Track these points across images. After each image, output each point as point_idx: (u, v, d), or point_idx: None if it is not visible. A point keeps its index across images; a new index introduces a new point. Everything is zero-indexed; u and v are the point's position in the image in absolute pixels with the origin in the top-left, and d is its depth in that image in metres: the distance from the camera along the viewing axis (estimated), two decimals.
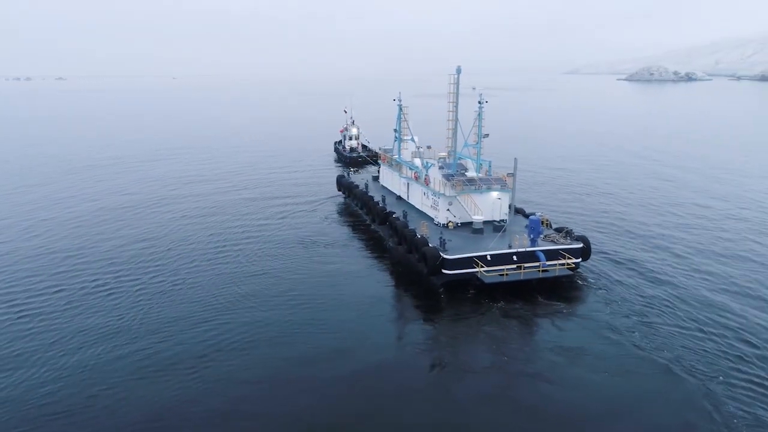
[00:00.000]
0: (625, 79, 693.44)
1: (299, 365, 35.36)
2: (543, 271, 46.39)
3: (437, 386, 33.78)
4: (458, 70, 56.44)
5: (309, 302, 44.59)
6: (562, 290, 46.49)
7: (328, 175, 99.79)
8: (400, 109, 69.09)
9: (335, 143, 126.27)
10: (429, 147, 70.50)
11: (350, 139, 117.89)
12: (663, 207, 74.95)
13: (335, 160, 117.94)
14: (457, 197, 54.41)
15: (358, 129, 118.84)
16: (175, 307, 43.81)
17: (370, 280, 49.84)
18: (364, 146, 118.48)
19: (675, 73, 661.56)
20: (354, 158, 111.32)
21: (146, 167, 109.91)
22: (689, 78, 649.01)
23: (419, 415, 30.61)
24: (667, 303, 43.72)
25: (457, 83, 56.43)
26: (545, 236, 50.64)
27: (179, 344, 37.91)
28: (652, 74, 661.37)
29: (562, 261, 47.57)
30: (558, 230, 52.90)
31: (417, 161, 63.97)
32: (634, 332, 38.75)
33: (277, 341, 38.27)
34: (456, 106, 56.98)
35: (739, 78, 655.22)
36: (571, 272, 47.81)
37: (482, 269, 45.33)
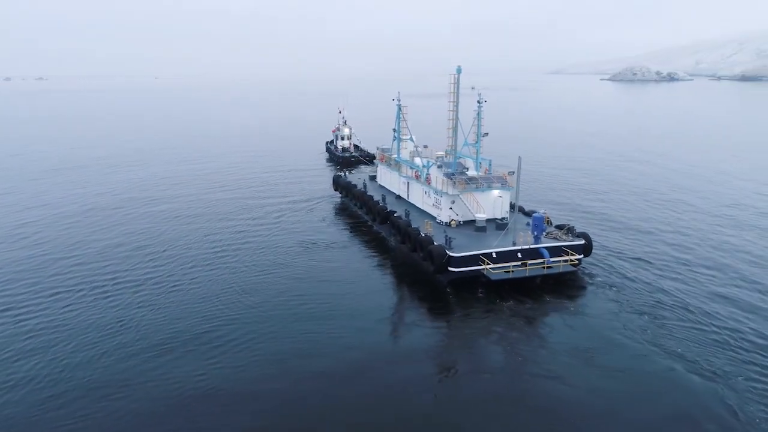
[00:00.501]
0: (609, 79, 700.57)
1: (308, 367, 34.94)
2: (547, 267, 46.79)
3: (450, 387, 33.59)
4: (458, 70, 56.51)
5: (314, 303, 44.17)
6: (568, 288, 46.73)
7: (322, 175, 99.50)
8: (399, 108, 69.06)
9: (327, 143, 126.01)
10: (425, 146, 70.67)
11: (342, 139, 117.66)
12: (657, 205, 75.74)
13: (327, 160, 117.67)
14: (460, 196, 54.61)
15: (351, 129, 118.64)
16: (176, 310, 43.02)
17: (375, 281, 49.53)
18: (356, 146, 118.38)
19: (657, 73, 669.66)
20: (346, 158, 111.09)
21: (135, 168, 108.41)
22: (671, 78, 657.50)
23: (432, 416, 30.41)
24: (674, 299, 43.97)
25: (458, 83, 56.51)
26: (547, 233, 51.03)
27: (185, 347, 37.28)
28: (635, 74, 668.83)
29: (565, 257, 48.00)
30: (559, 227, 53.33)
31: (418, 160, 64.13)
32: (646, 331, 38.83)
33: (285, 344, 37.76)
34: (456, 106, 57.05)
35: (719, 78, 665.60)
36: (573, 268, 48.27)
37: (488, 266, 45.50)
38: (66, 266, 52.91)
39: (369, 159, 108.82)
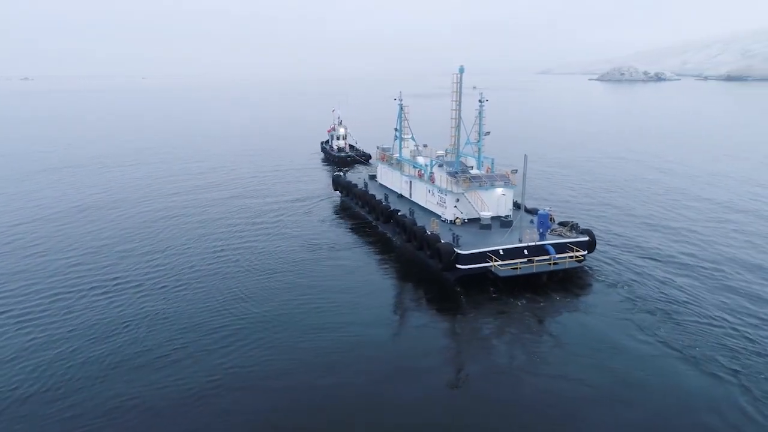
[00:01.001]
0: (597, 79, 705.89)
1: (317, 367, 34.71)
2: (553, 264, 47.34)
3: (464, 388, 33.47)
4: (461, 70, 56.91)
5: (320, 304, 43.60)
6: (578, 286, 46.95)
7: (318, 175, 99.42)
8: (401, 108, 69.32)
9: (322, 143, 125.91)
10: (425, 145, 71.03)
11: (338, 138, 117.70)
12: (657, 202, 76.27)
13: (322, 160, 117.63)
14: (465, 194, 55.04)
15: (346, 129, 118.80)
16: (182, 312, 42.23)
17: (382, 281, 49.25)
18: (351, 146, 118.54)
19: (645, 73, 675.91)
20: (342, 158, 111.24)
21: (130, 168, 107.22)
22: (658, 78, 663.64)
23: (444, 416, 30.21)
24: (685, 296, 44.10)
25: (460, 82, 56.94)
26: (552, 230, 51.66)
27: (192, 348, 36.83)
28: (622, 74, 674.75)
29: (571, 254, 48.59)
30: (563, 224, 53.96)
31: (421, 159, 64.51)
32: (659, 329, 38.82)
33: (299, 346, 37.29)
34: (459, 105, 57.47)
35: (705, 78, 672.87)
36: (579, 264, 48.87)
37: (496, 263, 45.93)
38: (64, 268, 51.98)
39: (365, 159, 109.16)
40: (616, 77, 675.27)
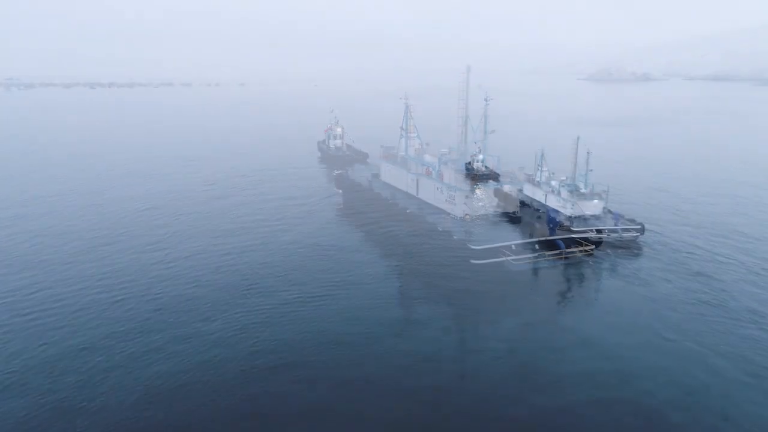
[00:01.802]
0: (586, 79, 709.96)
1: (344, 366, 35.08)
2: (564, 258, 48.30)
3: (485, 389, 33.65)
4: (467, 69, 57.70)
5: (337, 304, 43.59)
6: (592, 282, 47.65)
7: (317, 174, 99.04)
8: (407, 107, 69.92)
9: (319, 143, 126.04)
10: (427, 144, 71.71)
11: (335, 138, 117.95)
12: (664, 200, 77.37)
13: (320, 159, 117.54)
14: (474, 191, 55.85)
15: (343, 128, 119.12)
16: (197, 317, 42.04)
17: (393, 280, 49.43)
18: (348, 145, 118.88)
19: (632, 73, 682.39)
20: (340, 157, 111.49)
21: (123, 170, 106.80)
22: (646, 78, 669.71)
23: (468, 415, 30.60)
24: (705, 294, 44.77)
25: (467, 81, 57.70)
26: (561, 225, 52.63)
27: (211, 348, 37.00)
28: (611, 74, 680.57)
29: (580, 248, 49.58)
30: (569, 220, 54.90)
31: (428, 157, 65.12)
32: (679, 325, 39.26)
33: (315, 341, 37.63)
34: (466, 103, 58.22)
35: (692, 78, 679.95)
36: (588, 257, 49.86)
37: (509, 257, 46.76)
38: (67, 272, 51.61)
39: (362, 158, 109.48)
40: (604, 77, 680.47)
